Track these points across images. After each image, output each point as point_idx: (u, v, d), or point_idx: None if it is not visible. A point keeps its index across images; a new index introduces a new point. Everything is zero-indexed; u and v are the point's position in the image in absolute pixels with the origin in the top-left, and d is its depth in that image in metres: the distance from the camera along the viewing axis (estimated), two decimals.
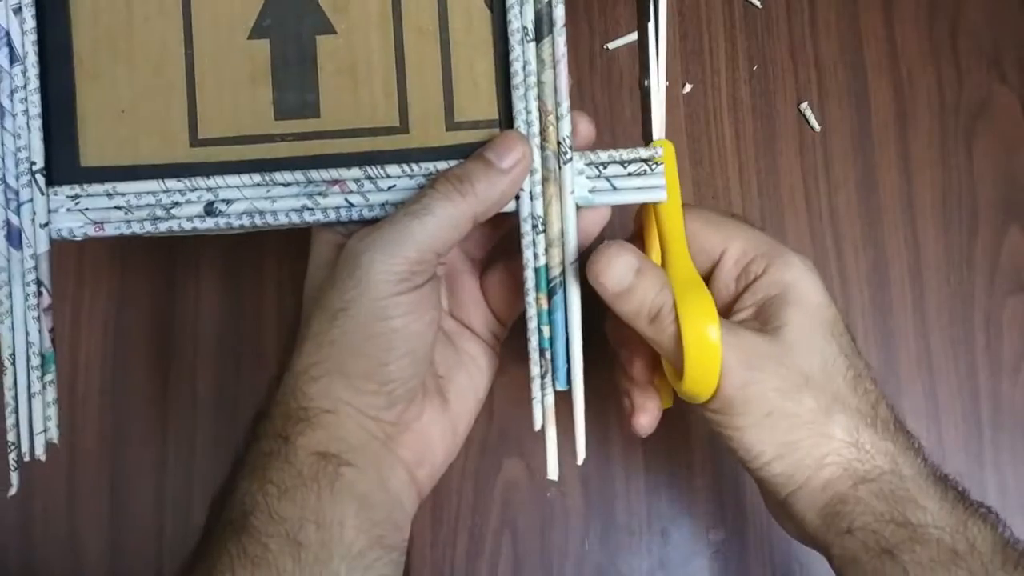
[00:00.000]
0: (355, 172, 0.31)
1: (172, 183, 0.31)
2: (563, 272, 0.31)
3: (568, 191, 0.31)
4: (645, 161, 0.31)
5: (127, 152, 0.31)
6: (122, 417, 0.46)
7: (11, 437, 0.31)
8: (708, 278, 0.33)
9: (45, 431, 0.31)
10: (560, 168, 0.31)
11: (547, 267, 0.31)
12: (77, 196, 0.31)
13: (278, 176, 0.31)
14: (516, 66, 0.30)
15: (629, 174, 0.31)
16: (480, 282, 0.35)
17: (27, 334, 0.31)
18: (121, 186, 0.31)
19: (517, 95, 0.31)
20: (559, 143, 0.31)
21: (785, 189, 0.47)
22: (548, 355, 0.31)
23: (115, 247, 0.48)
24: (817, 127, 0.46)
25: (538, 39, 0.31)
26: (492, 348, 0.35)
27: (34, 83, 0.31)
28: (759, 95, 0.47)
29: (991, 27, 0.48)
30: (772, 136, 0.47)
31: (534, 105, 0.31)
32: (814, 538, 0.31)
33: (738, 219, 0.34)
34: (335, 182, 0.31)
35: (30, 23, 0.30)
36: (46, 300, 0.31)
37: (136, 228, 0.31)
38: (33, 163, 0.31)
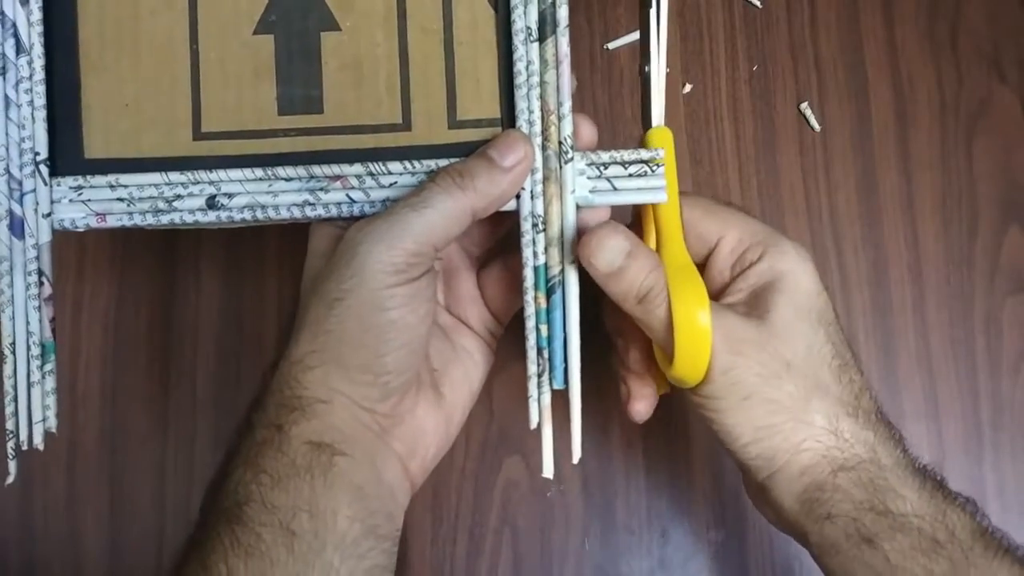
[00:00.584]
0: (357, 168, 0.31)
1: (175, 176, 0.31)
2: (562, 271, 0.31)
3: (569, 191, 0.31)
4: (646, 162, 0.32)
5: (130, 144, 0.32)
6: (122, 417, 0.46)
7: (10, 426, 0.31)
8: (704, 265, 0.34)
9: (44, 420, 0.31)
10: (561, 168, 0.31)
11: (546, 266, 0.31)
12: (80, 187, 0.31)
13: (280, 171, 0.31)
14: (519, 66, 0.31)
15: (630, 175, 0.32)
16: (477, 279, 0.36)
17: (27, 323, 0.31)
18: (124, 178, 0.31)
19: (520, 94, 0.31)
20: (560, 143, 0.31)
21: (785, 189, 0.47)
22: (546, 354, 0.31)
23: (115, 248, 0.48)
24: (817, 127, 0.46)
25: (541, 39, 0.31)
26: (488, 344, 0.36)
27: (39, 74, 0.31)
28: (759, 95, 0.47)
29: (991, 27, 0.48)
30: (772, 136, 0.47)
31: (536, 105, 0.31)
32: (792, 524, 0.31)
33: (736, 208, 0.35)
34: (337, 178, 0.31)
35: (37, 15, 0.31)
36: (47, 290, 0.31)
37: (138, 220, 0.31)
38: (37, 154, 0.31)
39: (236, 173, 0.31)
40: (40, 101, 0.31)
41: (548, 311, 0.31)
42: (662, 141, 0.33)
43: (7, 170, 0.31)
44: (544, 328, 0.31)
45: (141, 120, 0.32)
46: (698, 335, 0.30)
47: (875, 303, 0.46)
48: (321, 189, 0.31)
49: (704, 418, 0.32)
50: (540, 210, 0.31)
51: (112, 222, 0.31)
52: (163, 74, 0.32)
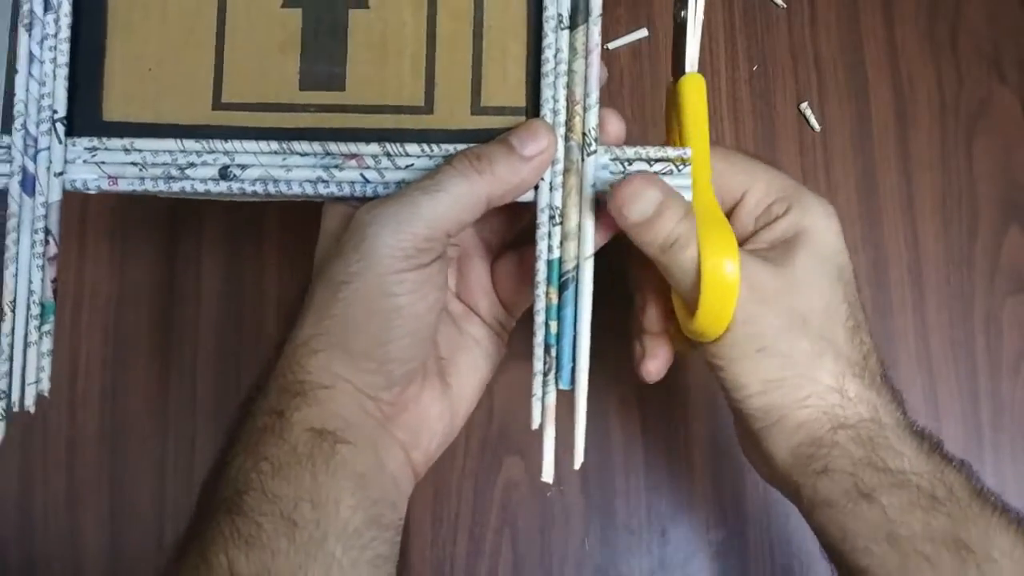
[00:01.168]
0: (374, 148, 0.31)
1: (190, 144, 0.31)
2: (577, 267, 0.30)
3: (589, 184, 0.30)
4: (672, 161, 0.31)
5: (149, 109, 0.32)
6: (122, 417, 0.46)
7: (2, 385, 0.31)
8: (728, 217, 0.33)
9: (37, 382, 0.31)
10: (583, 160, 0.30)
11: (561, 260, 0.30)
12: (95, 148, 0.31)
13: (296, 145, 0.31)
14: (548, 53, 0.30)
15: (655, 173, 0.31)
16: (491, 268, 0.35)
17: (30, 282, 0.31)
18: (139, 142, 0.31)
19: (546, 83, 0.31)
20: (584, 135, 0.30)
21: None
22: (553, 352, 0.30)
23: (115, 247, 0.48)
24: (817, 127, 0.46)
25: (572, 27, 0.31)
26: (498, 336, 0.35)
27: (65, 32, 0.31)
28: (759, 95, 0.47)
29: (991, 27, 0.48)
30: (772, 136, 0.47)
31: (562, 94, 0.31)
32: (783, 477, 0.31)
33: (763, 161, 0.34)
34: (353, 156, 0.31)
35: None
36: (52, 249, 0.31)
37: (149, 185, 0.31)
38: (55, 111, 0.31)
39: (251, 145, 0.31)
40: (63, 59, 0.31)
41: (559, 307, 0.30)
42: (694, 88, 0.32)
43: (24, 126, 0.31)
44: (554, 325, 0.30)
45: (162, 86, 0.32)
46: (726, 285, 0.29)
47: (875, 303, 0.46)
48: (336, 167, 0.31)
49: (712, 367, 0.31)
50: (558, 202, 0.31)
51: (123, 186, 0.31)
52: (188, 41, 0.32)
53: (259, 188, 0.31)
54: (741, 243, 0.32)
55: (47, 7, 0.31)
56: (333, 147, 0.31)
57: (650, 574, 0.43)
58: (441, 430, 0.32)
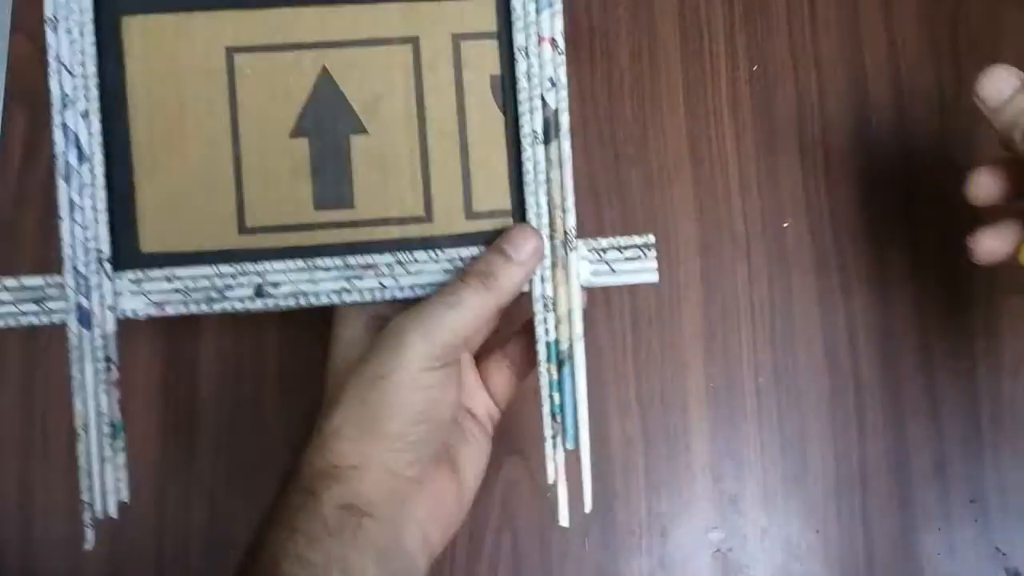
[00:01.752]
0: (387, 258, 0.35)
1: (224, 268, 0.35)
2: (571, 346, 0.35)
3: (575, 275, 0.35)
4: (640, 247, 0.36)
5: (182, 239, 0.36)
6: (123, 417, 0.46)
7: (86, 497, 0.36)
8: None
9: (118, 492, 0.36)
10: (567, 255, 0.35)
11: (557, 341, 0.35)
12: (139, 280, 0.35)
13: (319, 261, 0.36)
14: (528, 165, 0.35)
15: (626, 259, 0.36)
16: (480, 370, 0.39)
17: (97, 405, 0.35)
18: (179, 270, 0.35)
19: (529, 191, 0.35)
20: (566, 233, 0.35)
21: (785, 189, 0.47)
22: (559, 419, 0.35)
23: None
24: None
25: (547, 142, 0.35)
26: (488, 432, 0.38)
27: (100, 180, 0.35)
28: (759, 95, 0.47)
29: (991, 27, 0.48)
30: (772, 136, 0.47)
31: (544, 200, 0.35)
32: None
33: None
34: (369, 267, 0.36)
35: (96, 126, 0.35)
36: (115, 375, 0.35)
37: (193, 308, 0.35)
38: (100, 251, 0.35)
39: (279, 264, 0.35)
40: (101, 205, 0.35)
41: (560, 382, 0.35)
42: None
43: (74, 268, 0.35)
44: (557, 396, 0.35)
45: (191, 217, 0.36)
46: None
47: (875, 303, 0.46)
48: (356, 277, 0.36)
49: None
50: (550, 292, 0.35)
51: (170, 311, 0.35)
52: (209, 175, 0.36)
53: (292, 302, 0.35)
54: None
55: (81, 158, 0.35)
56: (351, 260, 0.35)
57: (650, 574, 0.43)
58: (454, 511, 0.36)
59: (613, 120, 0.48)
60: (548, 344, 0.35)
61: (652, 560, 0.44)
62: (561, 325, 0.35)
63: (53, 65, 0.34)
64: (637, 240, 0.36)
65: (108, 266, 0.35)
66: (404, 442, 0.33)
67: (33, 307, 0.35)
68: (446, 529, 0.35)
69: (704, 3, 0.49)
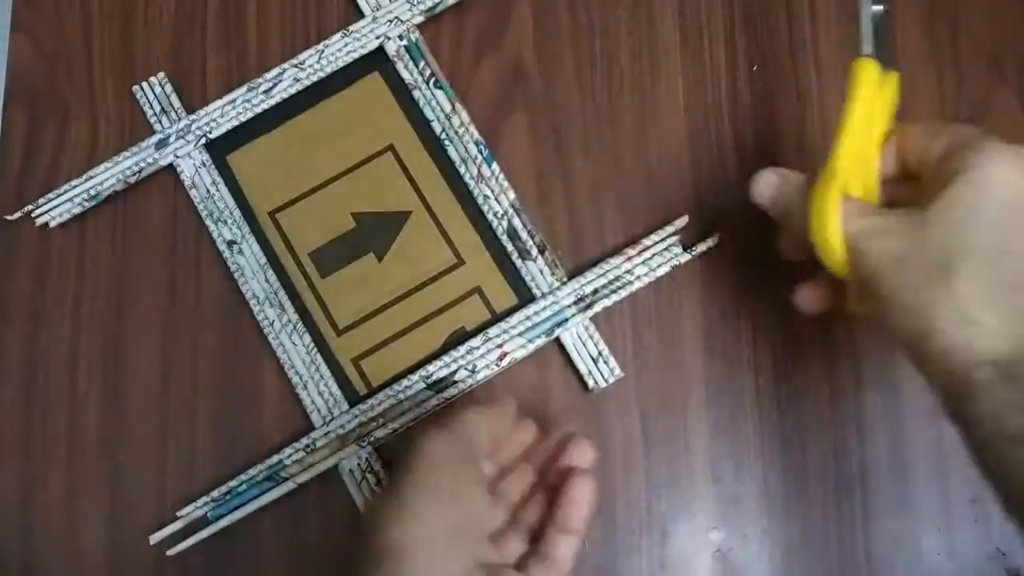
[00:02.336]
0: None
1: None
2: None
3: None
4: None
5: None
6: (122, 416, 0.46)
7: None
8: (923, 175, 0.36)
9: None
10: None
11: None
12: None
13: None
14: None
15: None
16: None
17: None
18: None
19: None
20: None
21: None
22: None
23: (115, 245, 0.48)
24: None
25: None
26: None
27: None
28: (759, 95, 0.47)
29: (991, 27, 0.48)
30: (772, 136, 0.47)
31: None
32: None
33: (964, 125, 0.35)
34: None
35: None
36: None
37: None
38: None
39: None
40: None
41: None
42: (860, 72, 0.37)
43: None
44: None
45: None
46: (831, 245, 0.34)
47: None
48: None
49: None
50: None
51: None
52: None
53: None
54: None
55: None
56: None
57: (650, 574, 0.43)
58: None
59: (614, 121, 0.48)
60: None
61: (652, 560, 0.44)
62: None
63: None
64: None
65: None
66: None
67: None
68: None
69: (704, 3, 0.49)
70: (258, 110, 0.48)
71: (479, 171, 0.47)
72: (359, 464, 0.44)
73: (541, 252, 0.46)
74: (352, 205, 0.47)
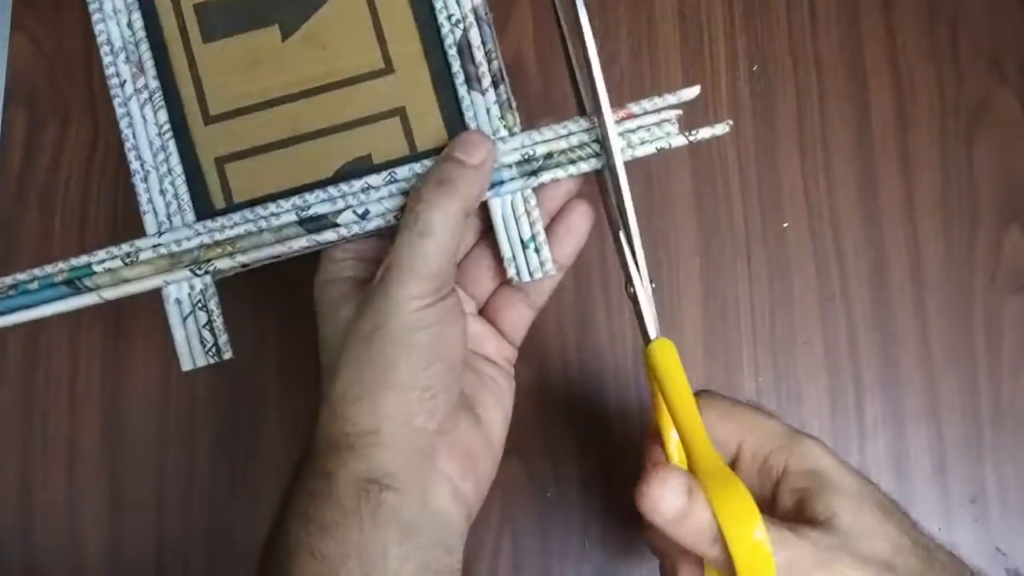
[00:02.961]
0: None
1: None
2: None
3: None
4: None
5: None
6: (122, 417, 0.46)
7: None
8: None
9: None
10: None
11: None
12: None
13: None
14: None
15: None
16: (488, 312, 0.38)
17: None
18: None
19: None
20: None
21: (785, 189, 0.47)
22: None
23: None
24: None
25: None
26: (508, 371, 0.37)
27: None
28: (759, 95, 0.48)
29: (991, 27, 0.48)
30: (772, 136, 0.47)
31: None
32: None
33: (751, 406, 0.34)
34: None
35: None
36: None
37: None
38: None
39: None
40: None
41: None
42: (663, 353, 0.32)
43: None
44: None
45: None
46: (759, 553, 0.28)
47: (875, 303, 0.46)
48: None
49: None
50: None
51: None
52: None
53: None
54: (762, 505, 0.30)
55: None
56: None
57: (650, 574, 0.43)
58: (484, 460, 0.34)
59: None
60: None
61: (652, 560, 0.44)
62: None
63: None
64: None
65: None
66: (417, 390, 0.31)
67: None
68: (478, 481, 0.33)
69: (704, 3, 0.49)
70: None
71: None
72: (190, 295, 0.35)
73: (495, 85, 0.36)
74: None
